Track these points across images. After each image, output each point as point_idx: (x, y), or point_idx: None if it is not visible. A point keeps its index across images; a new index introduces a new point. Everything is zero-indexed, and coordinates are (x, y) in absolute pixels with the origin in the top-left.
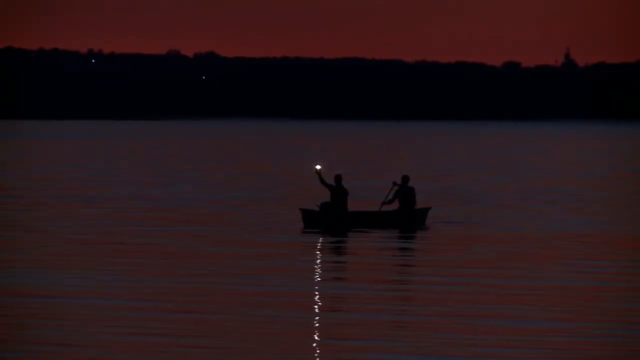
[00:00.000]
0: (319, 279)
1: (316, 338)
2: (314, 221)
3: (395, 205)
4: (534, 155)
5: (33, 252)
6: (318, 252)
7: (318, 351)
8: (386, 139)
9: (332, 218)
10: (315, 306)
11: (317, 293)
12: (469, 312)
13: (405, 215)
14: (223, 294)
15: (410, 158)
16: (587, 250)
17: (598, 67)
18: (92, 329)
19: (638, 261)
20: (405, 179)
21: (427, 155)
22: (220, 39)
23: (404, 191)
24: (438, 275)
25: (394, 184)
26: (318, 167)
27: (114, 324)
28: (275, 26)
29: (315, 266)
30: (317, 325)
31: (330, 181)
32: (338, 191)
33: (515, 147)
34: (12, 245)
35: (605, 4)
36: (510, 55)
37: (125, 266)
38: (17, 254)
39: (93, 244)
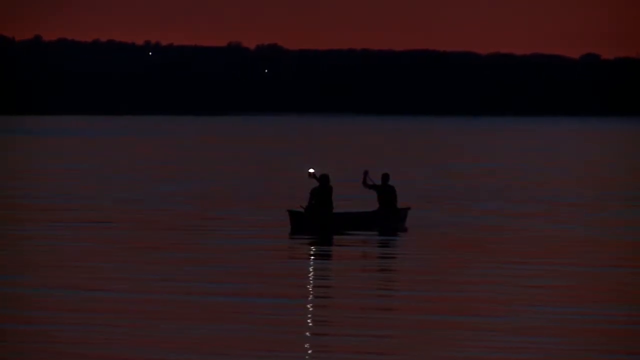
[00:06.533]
0: (297, 284)
1: (301, 345)
2: (301, 222)
3: (375, 205)
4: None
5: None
6: (296, 256)
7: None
8: (457, 135)
9: (316, 219)
10: (301, 314)
11: (302, 300)
12: (457, 319)
13: (385, 215)
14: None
15: (470, 154)
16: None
17: None
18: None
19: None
20: (385, 177)
21: (491, 152)
22: (284, 30)
23: (384, 190)
24: (421, 281)
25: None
26: (311, 170)
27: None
28: (340, 17)
29: (294, 271)
30: (301, 333)
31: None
32: (321, 191)
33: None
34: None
35: None
36: (589, 47)
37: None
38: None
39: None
